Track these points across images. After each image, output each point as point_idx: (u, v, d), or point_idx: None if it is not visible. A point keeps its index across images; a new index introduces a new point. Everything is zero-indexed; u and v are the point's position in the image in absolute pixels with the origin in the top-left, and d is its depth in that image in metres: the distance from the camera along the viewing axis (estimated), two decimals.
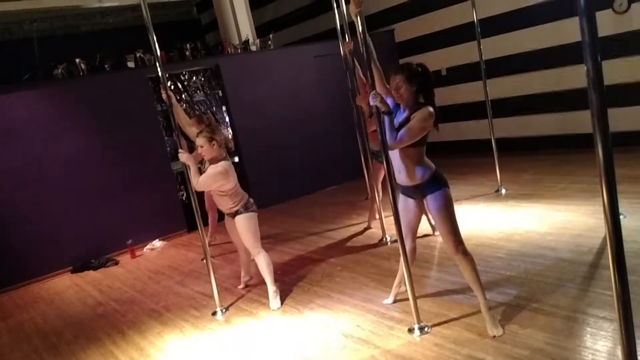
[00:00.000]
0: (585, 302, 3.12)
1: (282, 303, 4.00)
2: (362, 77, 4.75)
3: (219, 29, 9.56)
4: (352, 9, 3.02)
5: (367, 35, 3.03)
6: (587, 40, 1.66)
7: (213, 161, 3.99)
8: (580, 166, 6.25)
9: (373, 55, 3.09)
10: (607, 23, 6.19)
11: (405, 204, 3.26)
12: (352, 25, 4.53)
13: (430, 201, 3.07)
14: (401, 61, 9.12)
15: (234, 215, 4.08)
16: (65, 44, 10.23)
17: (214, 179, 3.91)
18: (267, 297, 4.09)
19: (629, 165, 5.68)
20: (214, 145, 3.93)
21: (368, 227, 5.56)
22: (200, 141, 3.95)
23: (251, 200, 4.16)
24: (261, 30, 10.27)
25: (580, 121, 6.82)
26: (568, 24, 6.64)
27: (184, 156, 3.92)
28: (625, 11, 6.19)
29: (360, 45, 3.03)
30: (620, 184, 1.77)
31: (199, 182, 3.91)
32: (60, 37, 11.00)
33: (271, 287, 4.03)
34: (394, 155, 3.13)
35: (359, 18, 2.99)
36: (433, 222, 4.79)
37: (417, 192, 3.15)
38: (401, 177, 3.14)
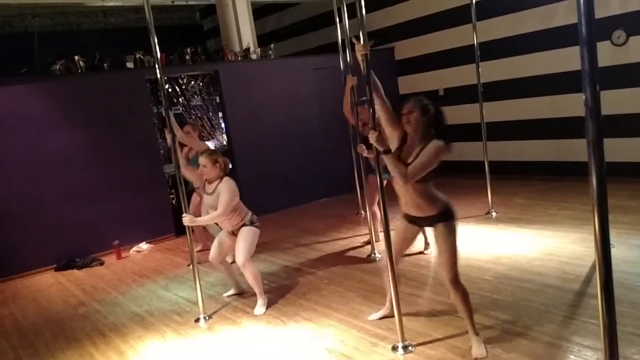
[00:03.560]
0: (569, 330, 3.12)
1: (265, 312, 3.99)
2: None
3: (220, 36, 9.58)
4: (359, 51, 2.99)
5: (371, 73, 2.99)
6: (587, 70, 1.66)
7: (211, 181, 4.06)
8: (570, 193, 6.29)
9: (380, 91, 3.04)
10: (605, 54, 6.27)
11: (406, 228, 3.24)
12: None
13: (436, 231, 3.04)
14: (399, 79, 9.19)
15: (239, 229, 4.09)
16: (65, 40, 10.21)
17: (233, 194, 3.96)
18: (252, 306, 4.06)
19: (619, 196, 5.71)
20: (217, 166, 4.01)
21: (369, 242, 5.46)
22: (203, 160, 4.01)
23: (255, 216, 4.22)
24: (263, 40, 10.30)
25: (572, 149, 6.88)
26: (565, 53, 6.73)
27: (186, 219, 3.97)
28: (623, 44, 6.28)
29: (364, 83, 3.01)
30: (610, 213, 1.77)
31: (219, 211, 3.93)
32: (60, 34, 10.97)
33: (260, 297, 4.05)
34: (400, 188, 3.07)
35: (364, 60, 2.98)
36: (431, 250, 4.79)
37: (425, 222, 3.12)
38: (409, 208, 3.09)
